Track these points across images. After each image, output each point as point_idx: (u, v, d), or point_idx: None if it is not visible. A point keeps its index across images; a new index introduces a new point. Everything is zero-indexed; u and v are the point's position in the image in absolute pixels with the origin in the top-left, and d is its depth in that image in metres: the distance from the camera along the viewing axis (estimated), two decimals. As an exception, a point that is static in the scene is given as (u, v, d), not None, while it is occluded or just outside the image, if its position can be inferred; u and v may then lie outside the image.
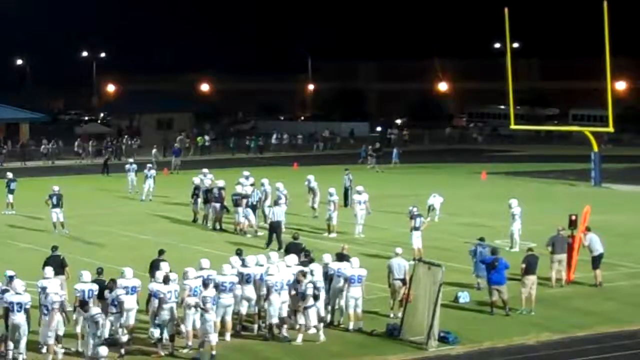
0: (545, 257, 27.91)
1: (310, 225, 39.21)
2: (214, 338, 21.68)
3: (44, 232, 38.67)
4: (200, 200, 40.62)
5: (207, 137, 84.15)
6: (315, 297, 22.88)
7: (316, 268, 24.00)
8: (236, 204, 38.12)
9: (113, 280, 22.31)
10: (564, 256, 28.47)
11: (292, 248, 27.05)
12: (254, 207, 38.07)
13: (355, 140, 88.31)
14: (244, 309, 23.60)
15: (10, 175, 45.69)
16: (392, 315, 24.80)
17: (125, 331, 21.87)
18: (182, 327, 22.50)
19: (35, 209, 43.54)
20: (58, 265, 25.00)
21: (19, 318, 21.03)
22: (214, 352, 21.62)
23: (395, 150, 70.41)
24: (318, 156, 78.14)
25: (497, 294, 25.29)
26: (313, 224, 39.47)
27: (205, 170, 43.98)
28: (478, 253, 27.66)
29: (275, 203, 36.53)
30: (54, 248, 26.37)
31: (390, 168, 66.67)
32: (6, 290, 21.85)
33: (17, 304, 21.06)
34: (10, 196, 44.39)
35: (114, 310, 21.82)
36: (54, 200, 38.42)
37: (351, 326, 23.84)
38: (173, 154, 68.04)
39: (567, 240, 28.83)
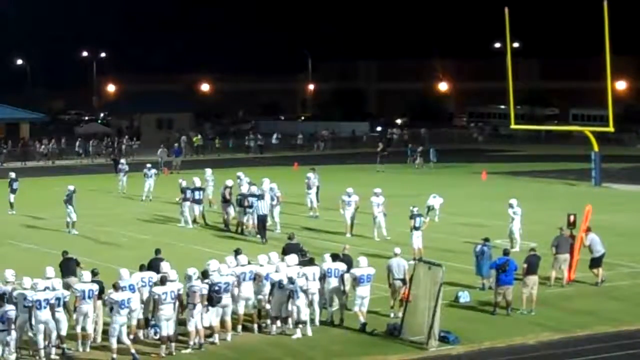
0: (547, 257, 27.90)
1: (320, 227, 39.06)
2: (113, 341, 21.31)
3: (45, 231, 38.72)
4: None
5: (200, 137, 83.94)
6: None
7: (308, 271, 23.93)
8: (240, 204, 38.16)
9: (1, 298, 21.01)
10: (568, 256, 28.56)
11: (290, 248, 26.96)
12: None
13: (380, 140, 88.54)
14: (241, 309, 23.59)
15: (12, 175, 45.60)
16: (392, 314, 24.81)
17: (13, 349, 20.75)
18: (188, 327, 22.49)
19: (36, 209, 43.56)
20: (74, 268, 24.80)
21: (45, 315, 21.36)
22: (114, 356, 21.27)
23: (431, 150, 69.97)
24: (318, 156, 78.12)
25: (502, 295, 25.31)
26: (320, 226, 39.42)
27: (208, 172, 43.69)
28: (485, 253, 27.62)
29: (261, 197, 36.61)
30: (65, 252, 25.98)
31: (431, 167, 66.62)
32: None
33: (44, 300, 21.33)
34: (12, 196, 44.36)
35: (0, 327, 20.56)
36: (65, 199, 38.51)
37: (362, 319, 23.83)
38: (173, 154, 68.17)
39: (570, 240, 28.90)
